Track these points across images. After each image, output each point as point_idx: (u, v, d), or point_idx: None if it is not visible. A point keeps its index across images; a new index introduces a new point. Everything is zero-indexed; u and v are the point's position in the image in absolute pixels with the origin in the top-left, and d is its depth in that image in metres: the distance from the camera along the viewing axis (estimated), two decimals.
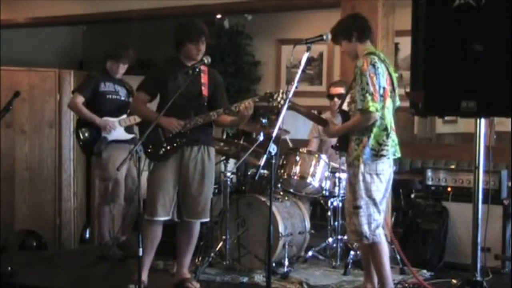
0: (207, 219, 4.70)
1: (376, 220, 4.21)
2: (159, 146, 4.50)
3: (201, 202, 4.58)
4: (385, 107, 4.20)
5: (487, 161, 4.17)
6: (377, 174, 4.18)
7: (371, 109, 4.10)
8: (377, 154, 4.17)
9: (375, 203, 4.21)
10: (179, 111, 4.45)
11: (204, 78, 4.62)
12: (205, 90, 4.59)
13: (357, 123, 4.23)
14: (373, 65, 4.15)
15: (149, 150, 4.50)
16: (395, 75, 4.38)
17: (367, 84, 4.11)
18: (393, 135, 4.29)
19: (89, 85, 5.58)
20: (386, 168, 4.23)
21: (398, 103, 4.41)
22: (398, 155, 4.35)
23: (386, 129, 4.21)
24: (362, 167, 4.16)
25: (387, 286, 4.25)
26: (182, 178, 4.56)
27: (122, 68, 5.62)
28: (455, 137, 8.21)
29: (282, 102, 4.19)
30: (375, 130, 4.18)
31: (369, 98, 4.10)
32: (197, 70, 4.49)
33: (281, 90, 4.27)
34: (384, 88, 4.19)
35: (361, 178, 4.17)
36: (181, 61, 4.61)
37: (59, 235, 7.13)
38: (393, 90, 4.33)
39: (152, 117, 4.46)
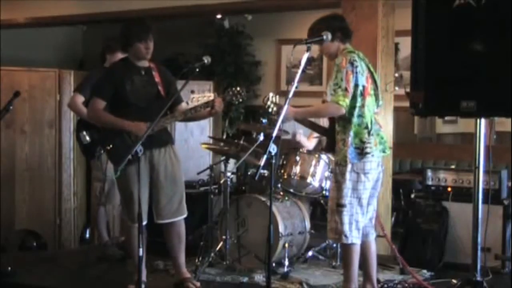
0: (185, 215, 4.66)
1: (358, 222, 4.19)
2: (126, 152, 4.23)
3: (175, 200, 4.57)
4: (365, 106, 4.17)
5: (487, 161, 4.17)
6: (364, 173, 4.16)
7: (341, 103, 4.06)
8: (362, 152, 4.14)
9: (360, 203, 4.19)
10: (143, 114, 4.38)
11: (157, 77, 4.57)
12: (162, 89, 4.55)
13: (320, 110, 4.29)
14: (352, 63, 4.13)
15: (117, 157, 4.38)
16: (376, 74, 4.37)
17: (341, 80, 4.08)
18: (381, 133, 4.27)
19: (88, 84, 5.56)
20: (374, 167, 4.20)
21: (381, 102, 4.39)
22: (388, 152, 4.34)
23: (367, 127, 4.17)
24: (349, 166, 4.14)
25: (350, 284, 4.25)
26: (153, 180, 4.54)
27: (121, 56, 5.57)
28: (455, 137, 8.20)
29: (272, 106, 4.20)
30: (355, 128, 4.15)
31: (340, 93, 4.07)
32: (198, 70, 4.46)
33: (271, 94, 4.28)
34: (363, 87, 4.16)
35: (348, 177, 4.15)
36: (131, 61, 4.56)
37: (59, 235, 7.14)
38: (376, 87, 4.31)
39: (116, 124, 4.41)
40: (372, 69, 4.31)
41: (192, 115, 4.53)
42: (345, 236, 4.17)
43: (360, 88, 4.15)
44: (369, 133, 4.18)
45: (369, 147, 4.16)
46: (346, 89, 4.08)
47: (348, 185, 4.16)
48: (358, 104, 4.14)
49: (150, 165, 4.52)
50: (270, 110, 4.26)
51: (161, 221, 4.59)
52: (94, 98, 4.57)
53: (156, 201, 4.56)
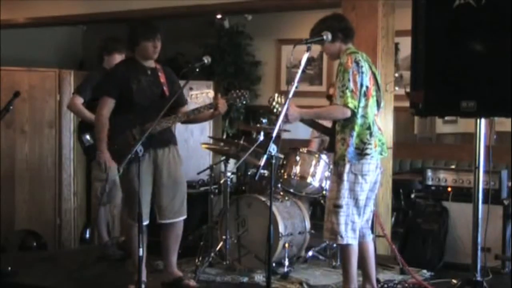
0: (185, 216, 4.67)
1: (354, 222, 4.18)
2: (128, 150, 4.21)
3: (177, 201, 4.58)
4: (368, 106, 4.16)
5: (487, 161, 4.17)
6: (362, 175, 4.14)
7: (350, 105, 4.05)
8: (361, 153, 4.12)
9: (356, 204, 4.17)
10: (146, 113, 4.40)
11: (162, 78, 4.58)
12: (166, 90, 4.55)
13: (329, 112, 4.26)
14: (357, 63, 4.11)
15: (120, 157, 4.32)
16: (379, 75, 4.36)
17: (348, 80, 4.07)
18: (380, 135, 4.26)
19: (87, 85, 5.55)
20: (372, 169, 4.18)
21: (383, 103, 4.38)
22: (385, 154, 4.32)
23: (369, 127, 4.16)
24: (347, 166, 4.12)
25: (349, 285, 4.24)
26: (156, 180, 4.55)
27: (119, 58, 5.56)
28: (455, 137, 8.21)
29: (277, 107, 4.19)
30: (358, 129, 4.13)
31: (348, 94, 4.05)
32: (198, 70, 4.46)
33: (276, 95, 4.28)
34: (367, 87, 4.15)
35: (345, 177, 4.14)
36: (138, 61, 4.56)
37: (59, 235, 7.14)
38: (378, 89, 4.30)
39: (99, 140, 4.50)
40: (375, 71, 4.30)
41: (195, 116, 4.54)
42: (341, 236, 4.16)
43: (364, 88, 4.13)
44: (371, 134, 4.17)
45: (369, 148, 4.15)
46: (353, 90, 4.06)
47: (345, 186, 4.15)
48: (362, 104, 4.13)
49: (154, 165, 4.53)
50: (275, 110, 4.24)
51: (163, 221, 4.59)
52: (104, 97, 4.52)
53: (159, 201, 4.56)
